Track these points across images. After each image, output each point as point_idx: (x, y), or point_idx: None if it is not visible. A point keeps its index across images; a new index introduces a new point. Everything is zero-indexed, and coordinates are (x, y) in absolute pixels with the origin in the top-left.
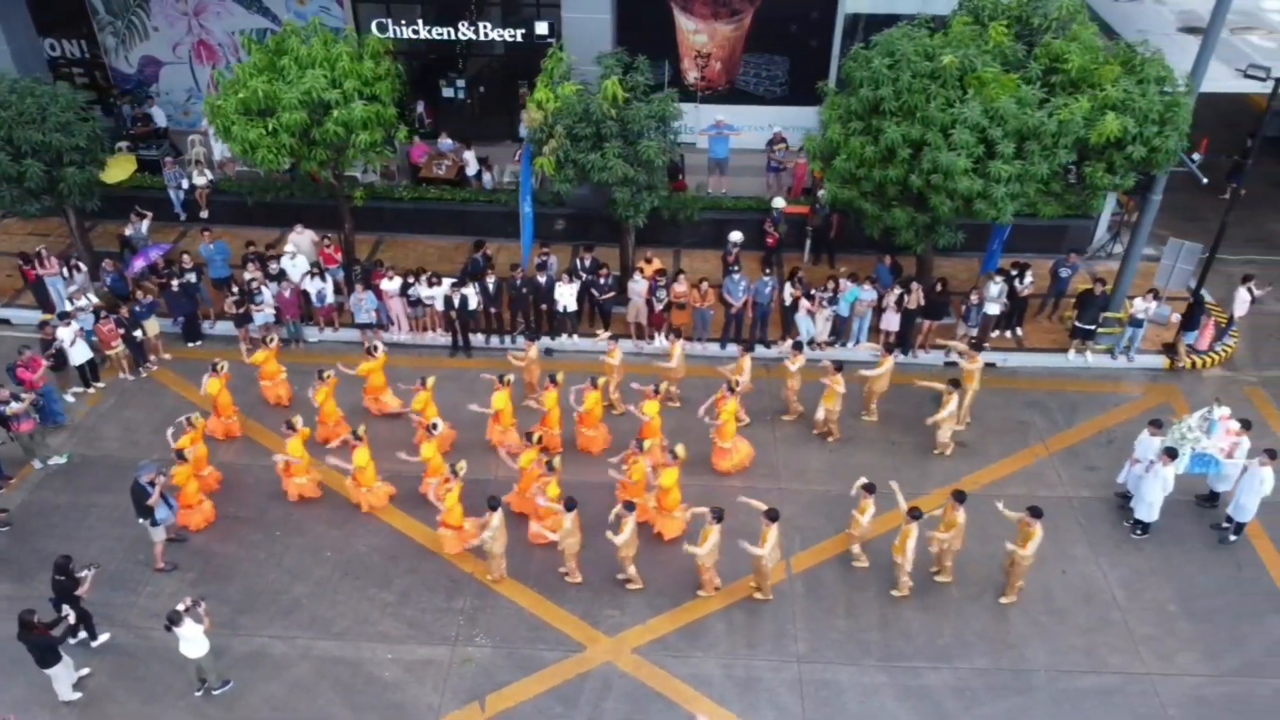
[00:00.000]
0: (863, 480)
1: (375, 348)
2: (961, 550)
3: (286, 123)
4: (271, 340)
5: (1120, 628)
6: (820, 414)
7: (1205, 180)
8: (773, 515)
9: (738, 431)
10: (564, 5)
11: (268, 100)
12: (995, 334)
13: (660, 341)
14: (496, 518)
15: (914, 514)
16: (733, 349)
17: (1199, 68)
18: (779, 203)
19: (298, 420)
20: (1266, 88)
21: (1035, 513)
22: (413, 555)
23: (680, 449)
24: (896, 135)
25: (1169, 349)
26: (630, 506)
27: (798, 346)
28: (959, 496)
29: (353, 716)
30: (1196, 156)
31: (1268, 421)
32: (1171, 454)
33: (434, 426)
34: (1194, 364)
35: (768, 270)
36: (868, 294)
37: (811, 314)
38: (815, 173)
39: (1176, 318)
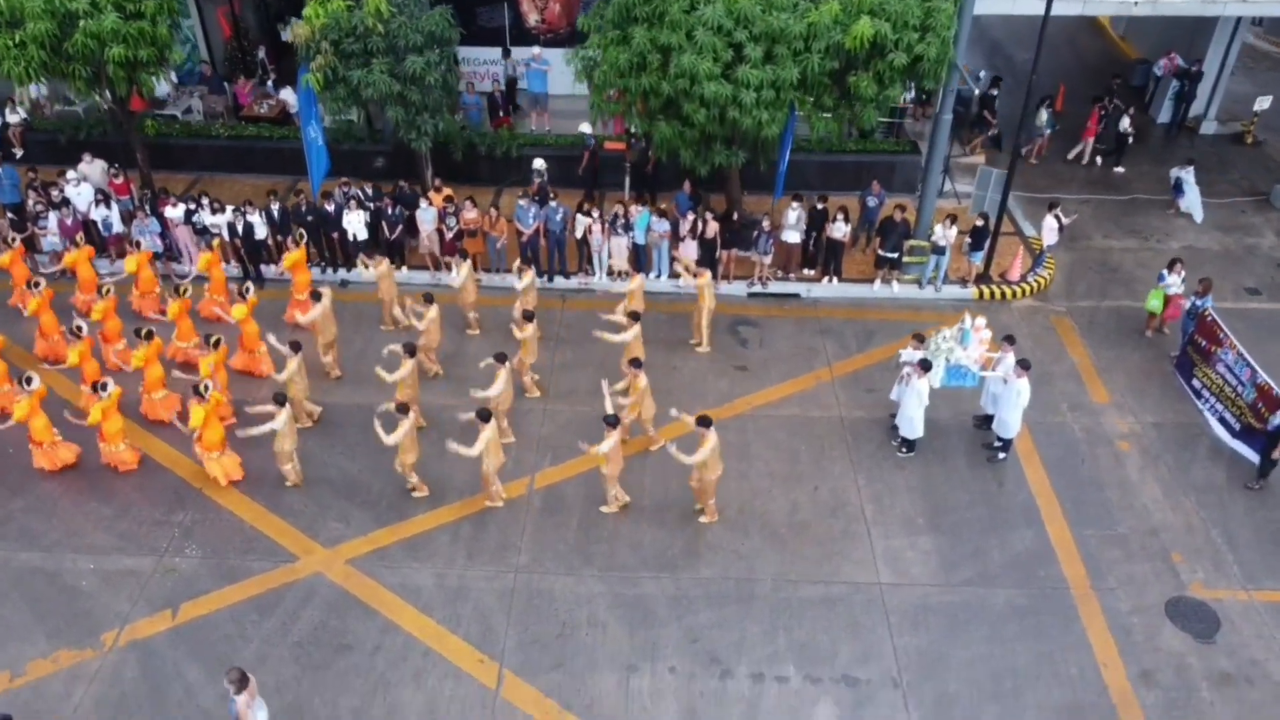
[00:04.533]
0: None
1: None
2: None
3: (33, 33)
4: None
5: (861, 541)
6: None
7: (975, 90)
8: (484, 415)
9: None
10: None
11: (12, 11)
12: (809, 271)
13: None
14: (284, 413)
15: (610, 420)
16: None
17: None
18: (585, 128)
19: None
20: (1038, 7)
21: (702, 422)
22: (146, 471)
23: (208, 388)
24: (644, 40)
25: (980, 279)
26: (403, 409)
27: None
28: (704, 422)
29: (34, 623)
30: (983, 74)
31: (1066, 347)
32: (925, 366)
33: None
34: (1004, 294)
35: (555, 196)
36: (660, 224)
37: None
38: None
39: (954, 234)
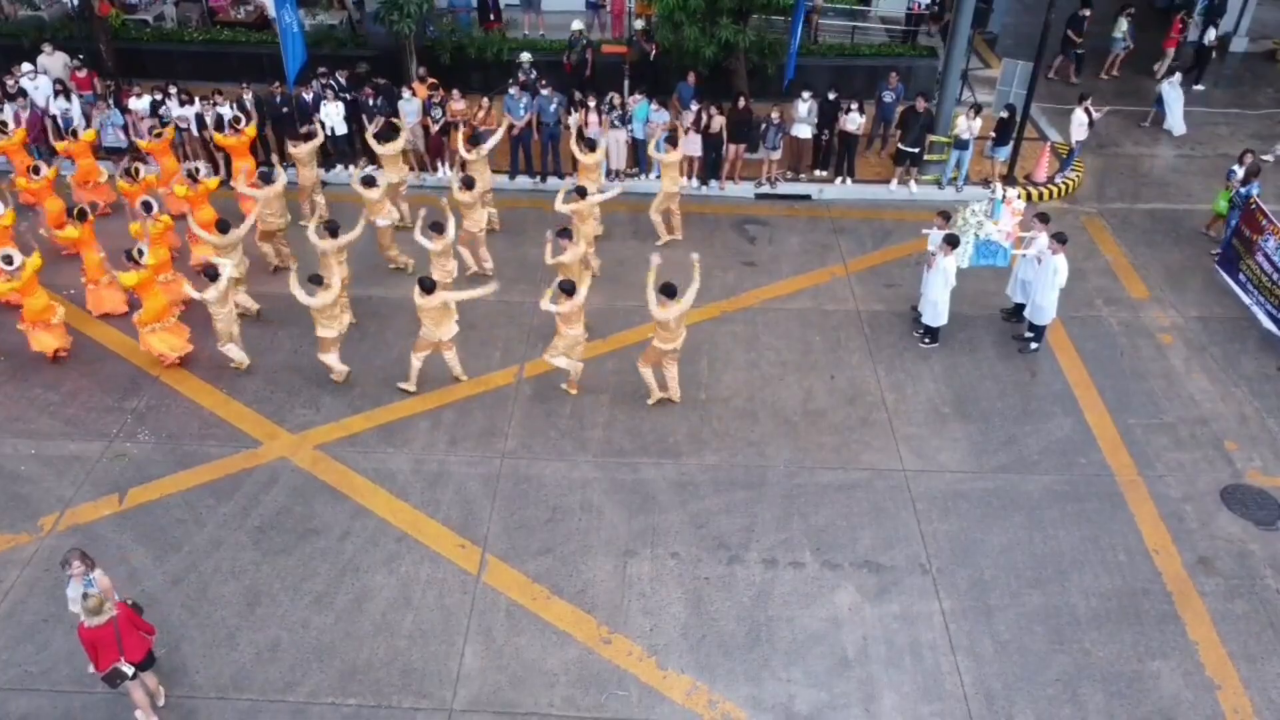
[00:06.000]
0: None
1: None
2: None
3: None
4: None
5: (882, 429)
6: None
7: None
8: (427, 285)
9: None
10: None
11: None
12: (820, 172)
13: (444, 173)
14: (215, 288)
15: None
16: (524, 181)
17: None
18: (577, 25)
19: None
20: None
21: (669, 291)
22: (98, 359)
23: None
24: None
25: (1005, 180)
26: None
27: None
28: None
29: None
30: None
31: (1098, 245)
32: (952, 242)
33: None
34: (1029, 195)
35: (545, 84)
36: (660, 115)
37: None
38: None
39: (978, 125)
